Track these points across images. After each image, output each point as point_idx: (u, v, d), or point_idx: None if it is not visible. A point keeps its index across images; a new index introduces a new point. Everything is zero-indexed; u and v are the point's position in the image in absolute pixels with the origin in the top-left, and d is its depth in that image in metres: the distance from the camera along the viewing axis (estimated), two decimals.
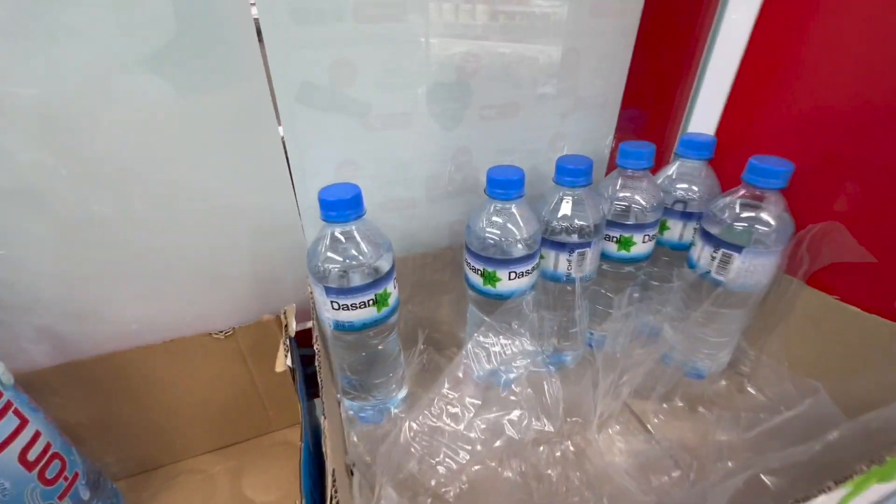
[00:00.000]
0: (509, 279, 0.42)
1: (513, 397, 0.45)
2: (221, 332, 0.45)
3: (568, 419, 0.46)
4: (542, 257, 0.46)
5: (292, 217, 0.42)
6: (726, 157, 0.47)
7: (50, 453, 0.37)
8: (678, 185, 0.49)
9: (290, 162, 0.39)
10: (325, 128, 0.39)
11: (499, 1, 0.39)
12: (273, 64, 0.34)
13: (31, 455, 0.36)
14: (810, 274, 0.44)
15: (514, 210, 0.42)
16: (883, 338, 0.39)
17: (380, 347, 0.44)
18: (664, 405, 0.49)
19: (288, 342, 0.40)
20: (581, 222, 0.44)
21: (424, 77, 0.40)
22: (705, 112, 0.51)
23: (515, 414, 0.44)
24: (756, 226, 0.41)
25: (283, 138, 0.38)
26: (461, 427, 0.41)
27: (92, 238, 0.37)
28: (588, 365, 0.51)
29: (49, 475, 0.37)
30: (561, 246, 0.44)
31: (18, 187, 0.33)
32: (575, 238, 0.44)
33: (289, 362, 0.39)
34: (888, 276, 0.39)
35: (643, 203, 0.46)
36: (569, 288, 0.47)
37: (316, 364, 0.36)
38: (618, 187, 0.47)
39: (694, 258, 0.47)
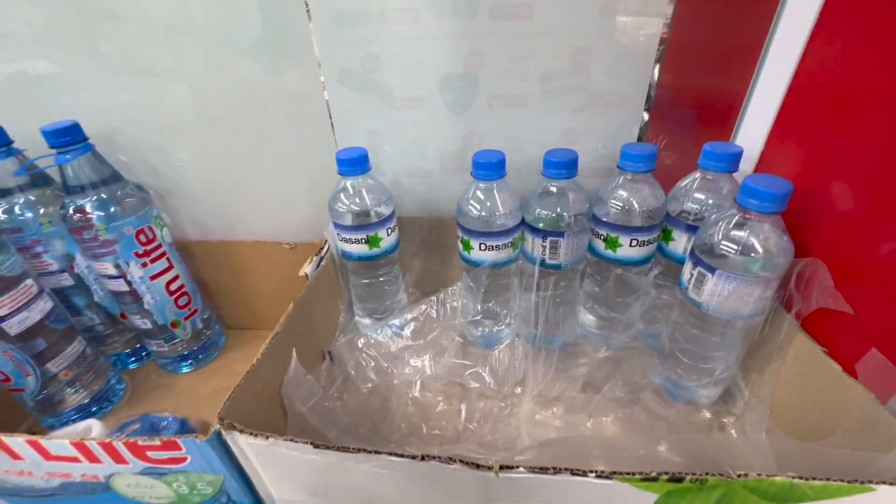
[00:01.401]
0: (480, 249, 0.49)
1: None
2: (289, 244, 0.63)
3: (518, 389, 0.51)
4: (522, 238, 0.51)
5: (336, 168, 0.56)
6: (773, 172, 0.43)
7: (183, 289, 0.61)
8: (694, 196, 0.46)
9: (334, 127, 0.53)
10: (358, 104, 0.51)
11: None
12: (321, 54, 0.48)
13: (172, 286, 0.60)
14: (805, 315, 0.38)
15: (494, 191, 0.48)
16: (861, 408, 0.33)
17: (380, 279, 0.56)
18: (621, 412, 0.49)
19: (315, 258, 0.56)
20: (556, 212, 0.47)
21: (436, 68, 0.48)
22: (757, 119, 0.46)
23: (469, 362, 0.52)
24: (732, 248, 0.38)
25: (328, 108, 0.52)
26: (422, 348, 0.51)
27: (218, 167, 0.58)
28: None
29: (180, 302, 0.61)
30: (535, 231, 0.48)
31: (175, 124, 0.55)
32: (550, 226, 0.47)
33: (308, 270, 0.54)
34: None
35: (636, 206, 0.46)
36: (550, 273, 0.51)
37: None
38: (615, 187, 0.47)
39: (684, 275, 0.45)
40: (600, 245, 0.49)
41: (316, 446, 0.30)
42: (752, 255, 0.37)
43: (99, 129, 0.51)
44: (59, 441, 0.37)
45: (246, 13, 0.46)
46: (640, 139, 0.52)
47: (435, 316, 0.53)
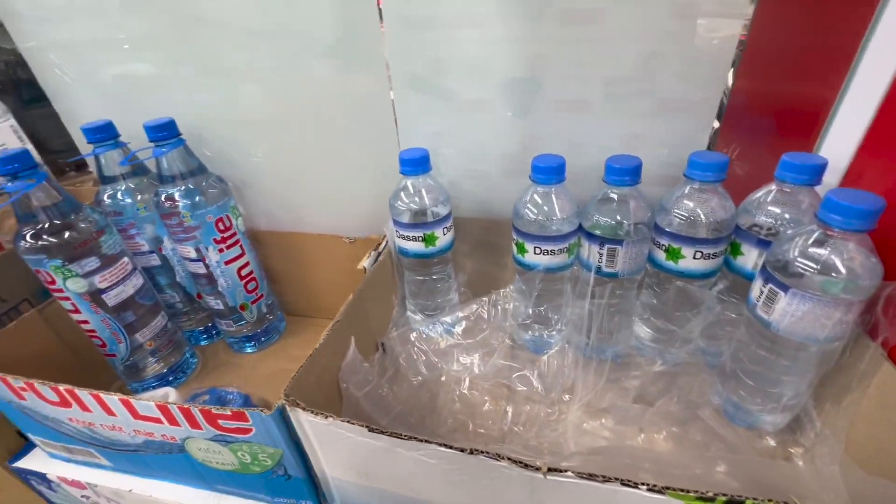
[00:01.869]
0: (535, 253, 0.49)
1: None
2: (349, 238, 0.66)
3: (566, 397, 0.51)
4: (579, 245, 0.50)
5: (398, 168, 0.58)
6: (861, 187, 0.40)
7: (252, 275, 0.66)
8: (768, 209, 0.44)
9: (398, 128, 0.55)
10: (422, 106, 0.53)
11: (567, 2, 0.44)
12: (390, 58, 0.50)
13: (243, 272, 0.65)
14: (894, 344, 0.35)
15: (552, 195, 0.48)
16: None
17: (433, 277, 0.58)
18: (675, 428, 0.47)
19: (373, 253, 0.58)
20: (615, 219, 0.46)
21: (500, 72, 0.48)
22: (847, 129, 0.43)
23: (517, 365, 0.52)
24: (810, 267, 0.36)
25: (394, 110, 0.54)
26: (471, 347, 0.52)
27: (288, 163, 0.62)
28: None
29: (249, 287, 0.66)
30: (592, 238, 0.47)
31: (252, 121, 0.59)
32: (608, 233, 0.46)
33: (366, 264, 0.57)
34: None
35: (702, 217, 0.44)
36: (606, 281, 0.50)
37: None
38: (680, 196, 0.46)
39: (753, 292, 0.42)
40: (661, 255, 0.47)
41: (371, 430, 0.32)
42: (833, 275, 0.35)
43: (188, 125, 0.56)
44: (147, 402, 0.41)
45: (323, 21, 0.49)
46: (708, 147, 0.50)
47: (486, 317, 0.54)
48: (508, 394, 0.52)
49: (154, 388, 0.64)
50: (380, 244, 0.61)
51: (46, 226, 0.50)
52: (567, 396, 0.50)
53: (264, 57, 0.54)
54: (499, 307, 0.54)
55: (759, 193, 0.45)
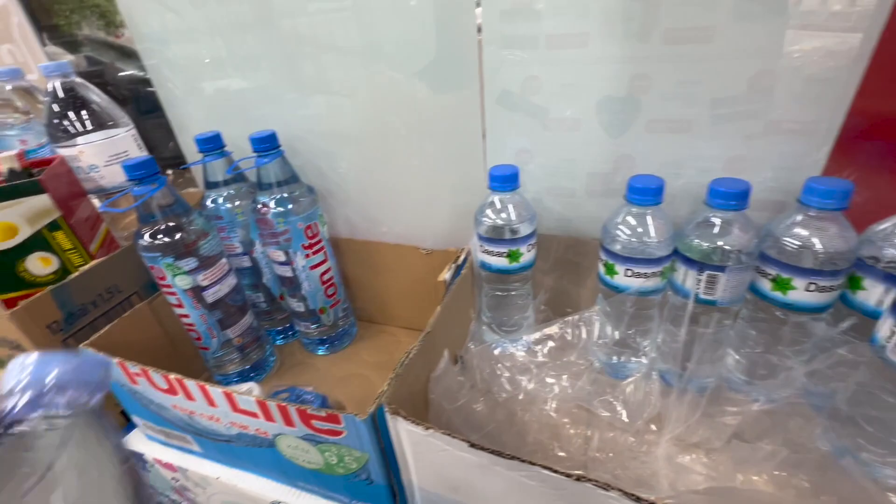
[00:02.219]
0: (625, 275, 0.48)
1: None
2: (426, 249, 0.68)
3: (652, 427, 0.48)
4: (672, 269, 0.48)
5: (481, 183, 0.59)
6: None
7: (332, 281, 0.69)
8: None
9: (485, 143, 0.56)
10: (512, 123, 0.53)
11: (676, 21, 0.43)
12: (486, 76, 0.51)
13: (325, 277, 0.68)
14: None
15: (648, 217, 0.46)
16: None
17: (512, 294, 0.57)
18: (777, 472, 0.43)
19: (452, 265, 0.59)
20: (717, 245, 0.44)
21: (596, 91, 0.48)
22: None
23: (600, 389, 0.50)
24: None
25: (483, 126, 0.55)
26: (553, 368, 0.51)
27: (372, 174, 0.64)
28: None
29: (329, 292, 0.69)
30: (690, 262, 0.45)
31: (342, 134, 0.62)
32: (708, 259, 0.44)
33: (447, 277, 0.58)
34: None
35: (818, 247, 0.41)
36: (702, 308, 0.47)
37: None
38: (792, 223, 0.43)
39: (881, 332, 0.39)
40: (767, 285, 0.45)
41: (471, 445, 0.32)
42: None
43: (283, 136, 0.60)
44: (247, 397, 0.44)
45: (422, 41, 0.51)
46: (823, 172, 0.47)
47: (569, 338, 0.52)
48: (589, 417, 0.50)
49: (236, 382, 0.68)
50: (458, 257, 0.61)
51: (163, 227, 0.55)
52: (653, 426, 0.48)
53: (361, 75, 0.57)
54: (582, 328, 0.52)
55: (887, 224, 0.41)
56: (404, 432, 0.35)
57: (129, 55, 0.91)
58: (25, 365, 0.24)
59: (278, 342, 0.77)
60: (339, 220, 0.72)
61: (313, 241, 0.64)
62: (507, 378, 0.50)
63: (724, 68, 0.43)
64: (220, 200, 0.64)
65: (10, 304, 0.60)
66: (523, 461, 0.30)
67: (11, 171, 0.56)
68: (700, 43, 0.43)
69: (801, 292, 0.43)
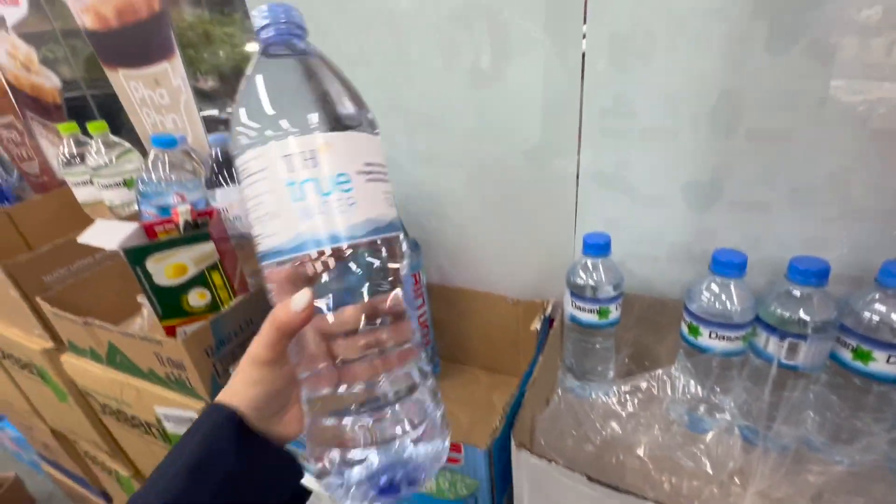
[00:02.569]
0: (709, 337, 0.53)
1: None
2: (513, 299, 0.76)
3: (736, 480, 0.52)
4: (754, 334, 0.53)
5: (570, 246, 0.67)
6: None
7: (427, 323, 0.78)
8: None
9: (577, 211, 0.64)
10: (603, 196, 0.61)
11: (759, 122, 0.50)
12: (582, 157, 0.60)
13: (421, 320, 0.77)
14: None
15: (731, 287, 0.53)
16: None
17: (596, 346, 0.64)
18: None
19: (542, 316, 0.67)
20: (798, 316, 0.49)
21: (683, 175, 0.56)
22: None
23: (684, 441, 0.55)
24: None
25: (576, 198, 0.63)
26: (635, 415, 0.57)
27: (470, 230, 0.74)
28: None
29: (422, 332, 0.78)
30: (772, 329, 0.51)
31: (449, 197, 0.73)
32: (790, 328, 0.50)
33: (538, 326, 0.65)
34: None
35: (893, 322, 0.46)
36: (784, 373, 0.52)
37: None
38: (871, 299, 0.48)
39: None
40: (847, 355, 0.49)
41: (589, 479, 0.38)
42: None
43: (397, 195, 0.71)
44: None
45: (531, 127, 0.61)
46: None
47: (655, 391, 0.58)
48: (673, 467, 0.55)
49: None
50: (546, 308, 0.69)
51: None
52: (737, 479, 0.52)
53: (470, 150, 0.68)
54: (667, 382, 0.58)
55: None
56: (525, 464, 0.42)
57: None
58: None
59: None
60: (431, 267, 0.82)
61: (417, 286, 0.73)
62: (590, 426, 0.56)
63: (803, 163, 0.50)
64: None
65: (169, 330, 0.73)
66: (638, 496, 0.36)
67: (186, 223, 0.70)
68: (780, 140, 0.50)
69: (881, 363, 0.47)
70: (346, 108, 0.31)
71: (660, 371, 0.58)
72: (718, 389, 0.56)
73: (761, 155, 0.52)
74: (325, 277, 0.29)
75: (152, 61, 0.88)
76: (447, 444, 0.34)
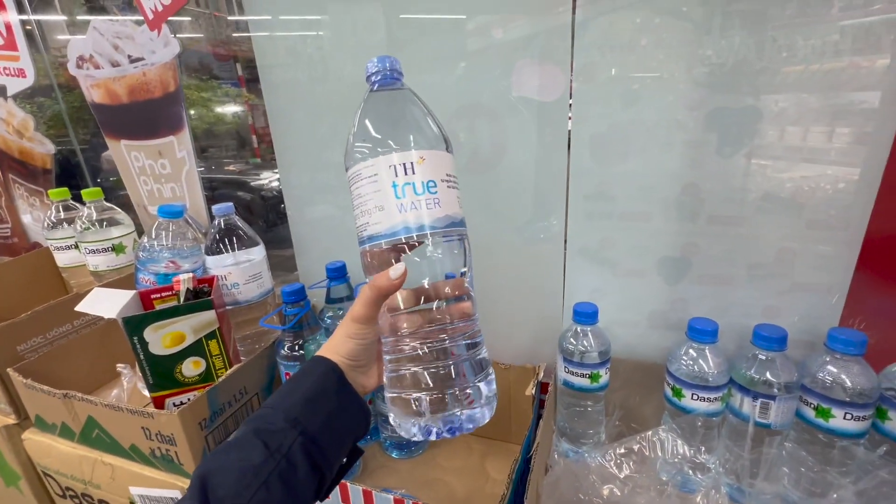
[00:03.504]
0: (692, 398, 0.59)
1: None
2: (505, 364, 0.79)
3: None
4: (730, 395, 0.59)
5: (558, 314, 0.72)
6: None
7: None
8: None
9: (565, 282, 0.71)
10: (588, 271, 0.69)
11: (716, 210, 0.60)
12: (569, 235, 0.68)
13: None
14: None
15: (707, 351, 0.59)
16: None
17: (589, 409, 0.68)
18: None
19: (535, 382, 0.70)
20: (766, 377, 0.55)
21: (657, 252, 0.64)
22: None
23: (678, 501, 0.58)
24: None
25: (564, 270, 0.70)
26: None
27: None
28: None
29: None
30: (745, 390, 0.57)
31: None
32: (759, 388, 0.56)
33: (532, 391, 0.69)
34: None
35: (847, 383, 0.53)
36: (759, 431, 0.57)
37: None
38: (823, 362, 0.55)
39: None
40: (811, 413, 0.55)
41: None
42: None
43: None
44: (386, 495, 0.52)
45: (524, 205, 0.69)
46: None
47: (647, 452, 0.61)
48: None
49: None
50: (538, 373, 0.73)
51: (301, 342, 0.68)
52: None
53: (472, 224, 0.74)
54: (657, 444, 0.62)
55: None
56: None
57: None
58: None
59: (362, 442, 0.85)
60: None
61: None
62: (601, 488, 0.58)
63: (755, 244, 0.60)
64: (341, 313, 0.78)
65: (158, 402, 0.70)
66: None
67: (188, 290, 0.71)
68: (735, 225, 0.60)
69: (840, 420, 0.53)
70: (433, 132, 0.40)
71: (650, 433, 0.62)
72: (703, 449, 0.61)
73: (721, 236, 0.61)
74: (414, 257, 0.38)
75: (159, 136, 0.92)
76: (493, 406, 0.41)
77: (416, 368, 0.38)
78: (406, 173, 0.37)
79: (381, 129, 0.39)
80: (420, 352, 0.38)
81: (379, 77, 0.41)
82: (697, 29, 0.54)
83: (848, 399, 0.53)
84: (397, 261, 0.38)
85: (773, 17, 0.53)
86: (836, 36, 0.52)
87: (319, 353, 0.42)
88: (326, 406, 0.39)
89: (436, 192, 0.38)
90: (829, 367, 0.54)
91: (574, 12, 0.57)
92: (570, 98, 0.61)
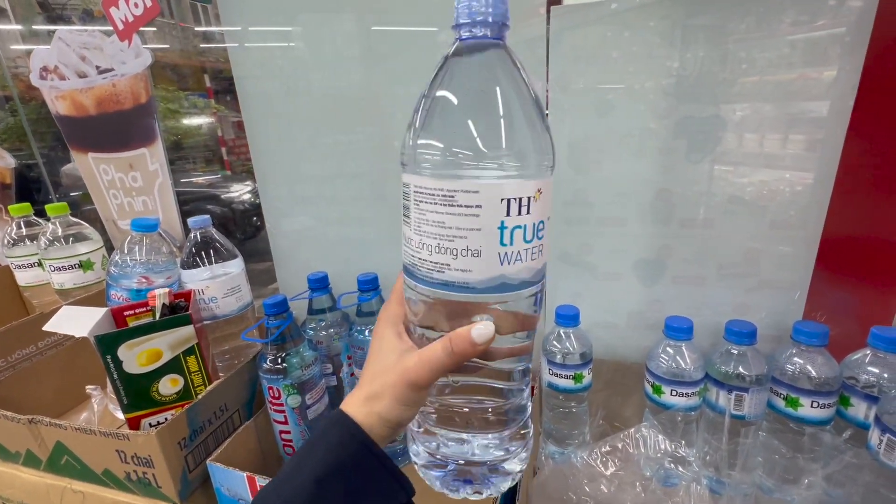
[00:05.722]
0: (671, 394, 0.61)
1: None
2: None
3: None
4: (706, 389, 0.62)
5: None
6: None
7: None
8: (868, 369, 0.55)
9: (546, 287, 0.72)
10: (569, 274, 0.71)
11: (686, 214, 0.63)
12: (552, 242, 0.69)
13: None
14: None
15: (683, 348, 0.61)
16: None
17: (573, 410, 0.69)
18: None
19: None
20: (739, 371, 0.58)
21: (633, 255, 0.67)
22: None
23: (659, 499, 0.60)
24: None
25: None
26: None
27: None
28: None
29: None
30: (720, 384, 0.59)
31: None
32: (733, 381, 0.58)
33: None
34: None
35: (812, 373, 0.56)
36: (735, 423, 0.60)
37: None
38: (790, 354, 0.58)
39: (872, 440, 0.52)
40: (780, 403, 0.58)
41: None
42: None
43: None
44: None
45: None
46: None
47: (631, 450, 0.63)
48: None
49: None
50: None
51: (285, 354, 0.66)
52: None
53: None
54: (639, 441, 0.63)
55: (857, 356, 0.57)
56: None
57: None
58: None
59: None
60: None
61: None
62: (588, 487, 0.59)
63: (724, 245, 0.63)
64: (323, 325, 0.77)
65: (133, 423, 0.68)
66: None
67: (164, 305, 0.69)
68: (705, 227, 0.63)
69: (807, 408, 0.56)
70: (547, 141, 0.30)
71: (632, 430, 0.64)
72: (683, 443, 0.63)
73: (692, 239, 0.64)
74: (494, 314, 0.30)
75: (130, 148, 0.89)
76: (522, 467, 0.36)
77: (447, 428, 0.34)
78: (520, 213, 0.28)
79: (483, 130, 0.28)
80: (454, 407, 0.33)
81: (476, 27, 0.28)
82: (664, 42, 0.58)
83: (813, 388, 0.56)
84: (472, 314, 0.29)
85: (732, 32, 0.56)
86: (787, 49, 0.56)
87: (349, 403, 0.33)
88: (341, 487, 0.30)
89: (542, 238, 0.29)
90: (796, 359, 0.58)
91: (549, 23, 0.60)
92: (547, 108, 0.64)
